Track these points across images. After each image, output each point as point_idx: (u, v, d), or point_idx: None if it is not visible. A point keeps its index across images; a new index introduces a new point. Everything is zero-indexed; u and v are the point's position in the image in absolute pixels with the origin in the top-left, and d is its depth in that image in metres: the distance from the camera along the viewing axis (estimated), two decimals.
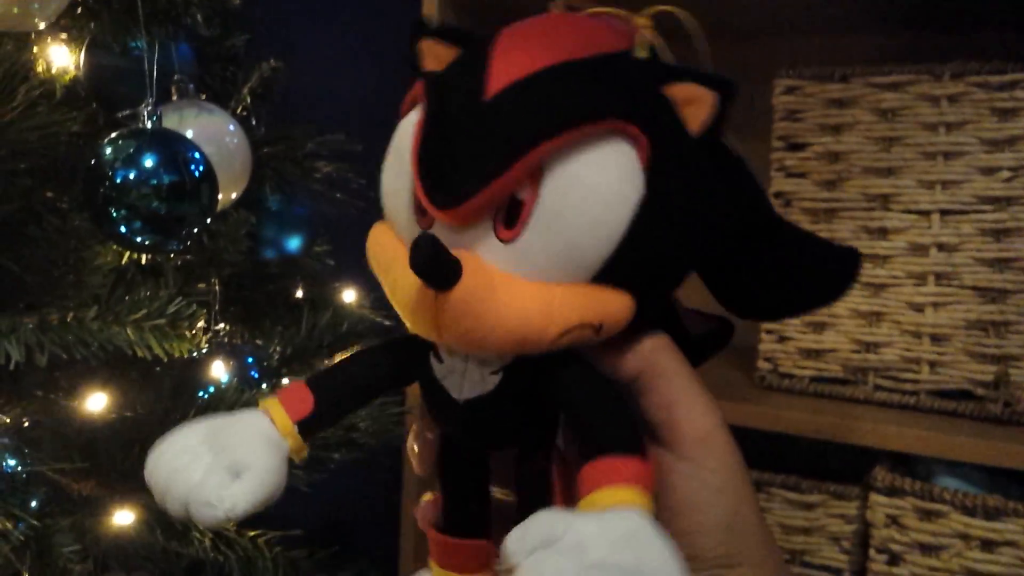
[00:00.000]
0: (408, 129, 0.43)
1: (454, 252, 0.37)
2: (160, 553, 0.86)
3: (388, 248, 0.43)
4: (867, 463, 0.89)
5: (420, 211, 0.42)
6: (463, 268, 0.38)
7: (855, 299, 0.92)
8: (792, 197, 0.95)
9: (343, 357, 0.49)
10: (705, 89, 0.41)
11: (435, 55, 0.46)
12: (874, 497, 0.86)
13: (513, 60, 0.41)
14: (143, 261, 0.77)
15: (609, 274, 0.39)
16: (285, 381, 0.92)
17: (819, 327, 0.94)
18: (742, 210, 0.44)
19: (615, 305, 0.40)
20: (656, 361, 0.42)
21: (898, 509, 0.84)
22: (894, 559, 0.85)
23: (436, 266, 0.37)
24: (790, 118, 0.95)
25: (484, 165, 0.38)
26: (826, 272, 0.47)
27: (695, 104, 0.41)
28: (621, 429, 0.40)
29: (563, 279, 0.39)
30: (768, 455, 0.96)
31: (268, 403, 0.43)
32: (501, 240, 0.39)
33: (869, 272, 0.91)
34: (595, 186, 0.38)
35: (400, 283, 0.41)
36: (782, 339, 0.96)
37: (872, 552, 0.86)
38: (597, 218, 0.38)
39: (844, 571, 0.90)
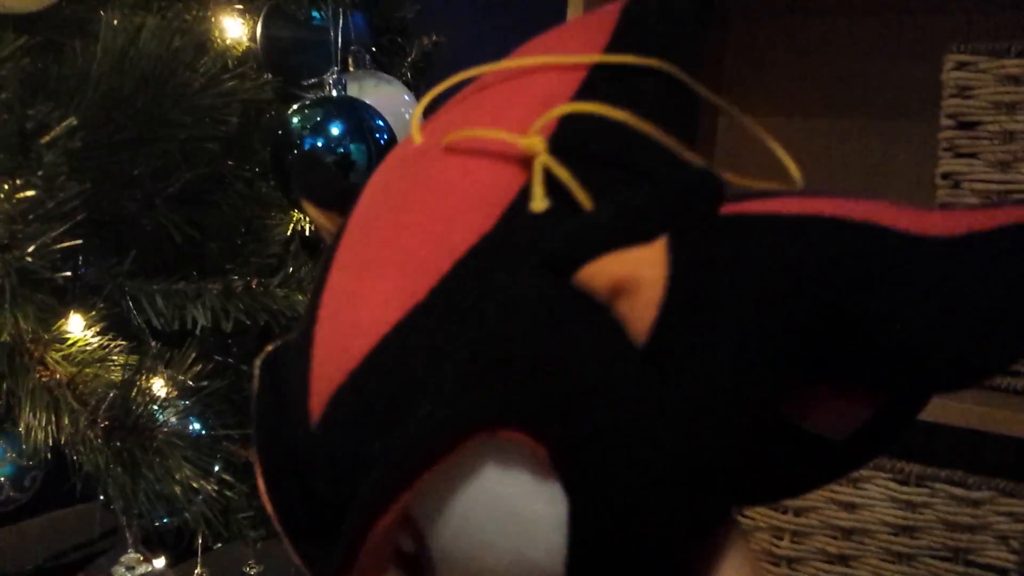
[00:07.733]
0: None
1: None
2: None
3: None
4: None
5: None
6: None
7: None
8: (962, 179, 0.90)
9: None
10: (643, 252, 0.23)
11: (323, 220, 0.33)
12: None
13: (341, 331, 0.25)
14: (307, 232, 0.77)
15: None
16: None
17: None
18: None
19: None
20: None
21: None
22: None
23: None
24: (961, 95, 0.90)
25: (340, 532, 0.25)
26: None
27: (631, 293, 0.23)
28: None
29: None
30: (927, 449, 0.92)
31: None
32: None
33: None
34: (492, 522, 0.24)
35: None
36: None
37: None
38: (519, 552, 0.24)
39: (1011, 571, 0.85)
